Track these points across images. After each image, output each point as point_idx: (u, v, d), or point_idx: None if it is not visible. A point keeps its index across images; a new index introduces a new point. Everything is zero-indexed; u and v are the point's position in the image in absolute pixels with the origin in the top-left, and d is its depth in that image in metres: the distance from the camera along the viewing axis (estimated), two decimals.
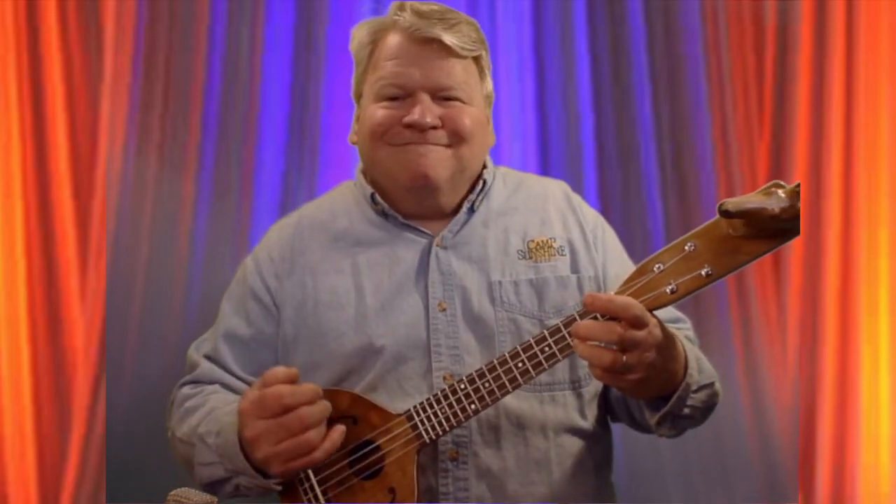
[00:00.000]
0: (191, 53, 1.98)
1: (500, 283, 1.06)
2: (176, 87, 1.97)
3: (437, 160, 1.05)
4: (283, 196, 1.99)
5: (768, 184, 0.82)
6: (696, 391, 0.96)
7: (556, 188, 1.18)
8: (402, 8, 1.07)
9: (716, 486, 1.93)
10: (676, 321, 1.13)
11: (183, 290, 1.93)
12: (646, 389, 0.91)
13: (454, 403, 0.95)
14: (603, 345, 0.87)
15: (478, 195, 1.12)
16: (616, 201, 2.01)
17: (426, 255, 1.08)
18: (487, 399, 0.94)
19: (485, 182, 1.13)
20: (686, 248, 0.87)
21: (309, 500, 0.97)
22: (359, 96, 1.14)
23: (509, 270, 1.07)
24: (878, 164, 1.80)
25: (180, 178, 1.96)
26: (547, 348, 0.92)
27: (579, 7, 2.06)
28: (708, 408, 1.01)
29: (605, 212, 1.18)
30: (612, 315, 0.86)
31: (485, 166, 1.15)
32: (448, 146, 1.06)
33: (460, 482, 1.00)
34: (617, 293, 0.88)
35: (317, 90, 2.00)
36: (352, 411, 0.99)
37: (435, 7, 1.08)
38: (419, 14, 1.05)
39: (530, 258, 1.07)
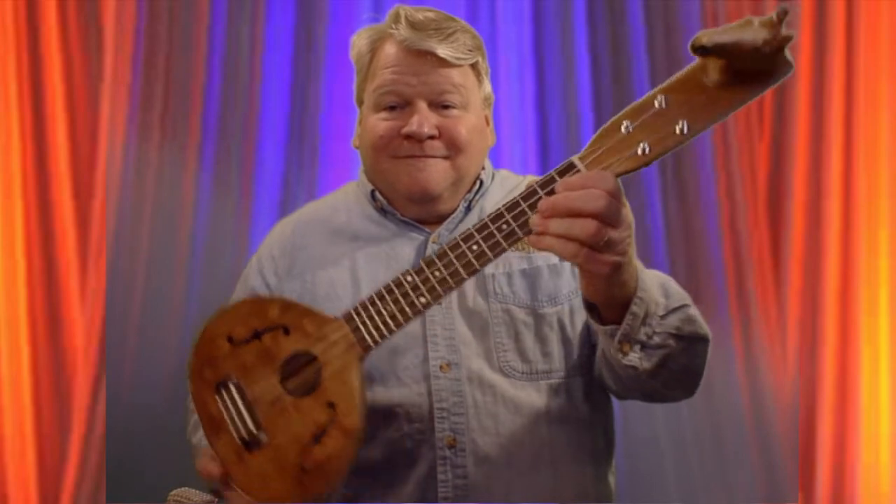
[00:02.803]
0: (191, 53, 1.98)
1: (493, 276, 1.07)
2: (176, 87, 1.97)
3: (436, 173, 1.07)
4: (283, 196, 1.99)
5: (740, 20, 0.71)
6: (664, 316, 0.89)
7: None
8: (397, 19, 1.07)
9: (716, 486, 1.93)
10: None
11: (183, 290, 1.93)
12: (611, 283, 0.83)
13: (400, 298, 0.84)
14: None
15: (475, 195, 1.13)
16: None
17: (422, 251, 1.09)
18: (439, 289, 0.82)
19: (482, 182, 1.14)
20: (656, 103, 0.75)
21: (237, 430, 0.87)
22: (360, 102, 1.15)
23: (502, 262, 1.07)
24: (878, 164, 1.80)
25: (180, 178, 1.96)
26: (504, 226, 0.79)
27: (579, 7, 2.06)
28: (688, 338, 0.92)
29: None
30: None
31: (483, 167, 1.16)
32: (446, 158, 1.07)
33: (458, 469, 1.00)
34: (580, 158, 0.78)
35: (317, 90, 2.00)
36: (282, 320, 0.87)
37: (431, 15, 1.08)
38: (413, 25, 1.06)
39: (523, 249, 1.08)
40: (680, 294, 0.94)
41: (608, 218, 0.76)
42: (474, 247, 0.81)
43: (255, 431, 0.86)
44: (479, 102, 1.13)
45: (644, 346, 0.89)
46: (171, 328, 1.91)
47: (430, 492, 1.00)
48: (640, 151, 0.75)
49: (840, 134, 1.83)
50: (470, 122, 1.09)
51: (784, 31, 0.70)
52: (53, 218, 1.83)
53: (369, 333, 0.85)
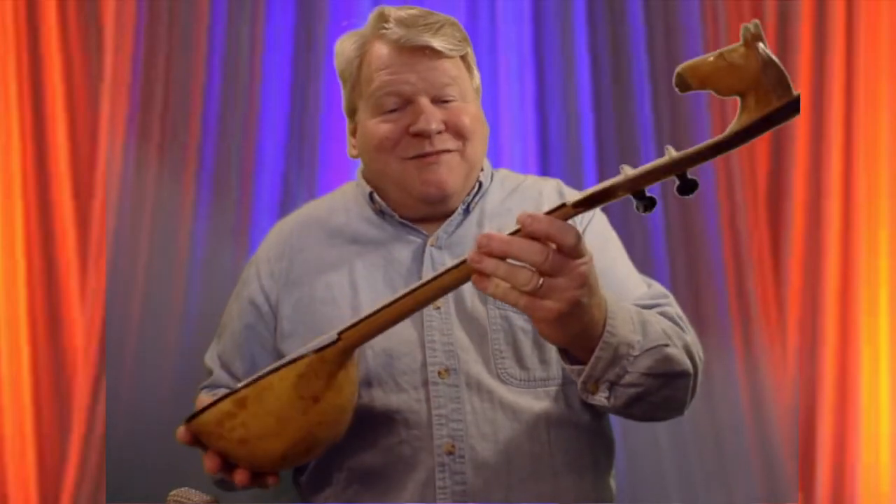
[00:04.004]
0: (191, 53, 1.98)
1: None
2: (176, 87, 1.97)
3: (449, 169, 1.06)
4: (283, 196, 1.99)
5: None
6: (638, 356, 0.87)
7: (550, 187, 1.19)
8: (384, 19, 1.06)
9: (716, 486, 1.93)
10: (655, 298, 1.07)
11: (183, 290, 1.93)
12: (565, 329, 0.81)
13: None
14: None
15: (473, 196, 1.13)
16: (616, 201, 2.01)
17: (420, 254, 1.09)
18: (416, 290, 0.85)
19: (480, 184, 1.13)
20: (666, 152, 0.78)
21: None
22: (352, 111, 1.14)
23: None
24: (878, 164, 1.80)
25: (180, 178, 1.96)
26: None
27: (579, 7, 2.06)
28: (664, 376, 0.90)
29: (605, 212, 1.18)
30: (547, 239, 0.77)
31: (482, 169, 1.15)
32: (455, 151, 1.07)
33: (457, 476, 1.00)
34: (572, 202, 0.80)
35: (317, 90, 2.00)
36: None
37: (416, 12, 1.07)
38: (403, 23, 1.05)
39: None
40: (660, 332, 0.92)
41: (544, 268, 0.77)
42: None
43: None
44: (473, 93, 1.13)
45: (614, 385, 0.88)
46: (171, 328, 1.91)
47: (429, 498, 0.99)
48: (621, 172, 0.78)
49: (840, 134, 1.83)
50: (471, 112, 1.09)
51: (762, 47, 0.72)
52: (53, 218, 1.83)
53: (346, 335, 0.87)
